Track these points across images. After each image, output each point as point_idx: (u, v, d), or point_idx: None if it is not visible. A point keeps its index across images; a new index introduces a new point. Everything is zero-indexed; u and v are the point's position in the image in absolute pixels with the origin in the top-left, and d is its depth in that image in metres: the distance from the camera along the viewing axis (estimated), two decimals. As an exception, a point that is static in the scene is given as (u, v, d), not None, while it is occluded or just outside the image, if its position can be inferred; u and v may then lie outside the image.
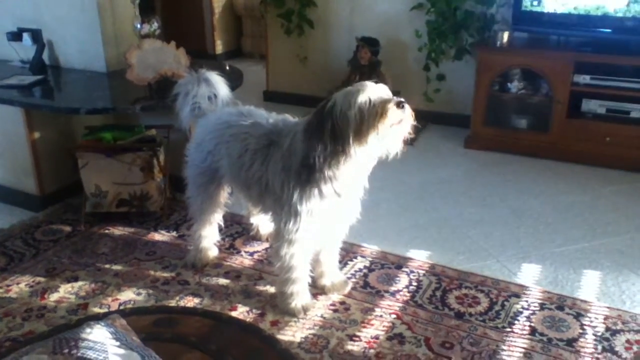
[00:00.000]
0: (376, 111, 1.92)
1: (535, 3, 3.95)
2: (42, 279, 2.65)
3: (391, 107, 1.92)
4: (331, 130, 1.96)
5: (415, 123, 1.99)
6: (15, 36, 3.60)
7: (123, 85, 3.20)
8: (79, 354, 1.15)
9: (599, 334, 2.30)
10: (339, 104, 1.96)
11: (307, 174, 2.05)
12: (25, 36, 3.59)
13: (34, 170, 3.26)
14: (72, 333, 1.21)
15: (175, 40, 3.19)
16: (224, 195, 2.65)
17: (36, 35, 3.58)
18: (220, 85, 2.61)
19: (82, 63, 3.56)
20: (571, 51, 3.90)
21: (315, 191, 2.11)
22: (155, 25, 3.41)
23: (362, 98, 1.93)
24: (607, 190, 3.60)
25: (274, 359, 1.47)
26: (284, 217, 2.19)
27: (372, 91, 1.96)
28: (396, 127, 1.96)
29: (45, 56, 3.57)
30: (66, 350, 1.16)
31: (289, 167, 2.13)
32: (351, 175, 2.11)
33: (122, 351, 1.20)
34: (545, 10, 3.94)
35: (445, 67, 4.58)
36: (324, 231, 2.29)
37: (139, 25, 3.37)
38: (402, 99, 1.95)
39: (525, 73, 4.10)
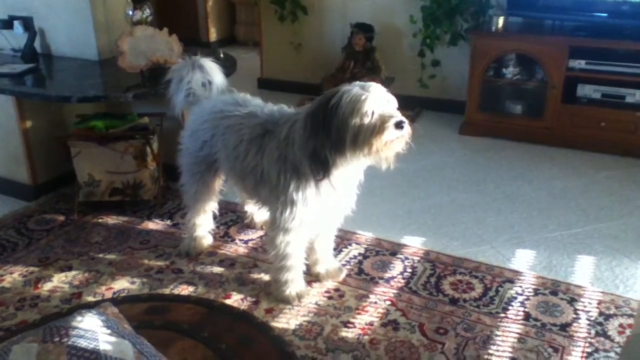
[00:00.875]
0: (374, 125, 1.91)
1: (530, -13, 3.93)
2: (35, 269, 2.64)
3: (389, 126, 1.91)
4: (335, 129, 1.95)
5: (409, 140, 1.99)
6: (6, 24, 3.55)
7: (115, 72, 3.18)
8: (69, 342, 1.15)
9: (593, 318, 2.31)
10: (343, 105, 1.93)
11: (322, 171, 2.01)
12: (17, 24, 3.55)
13: (26, 159, 3.25)
14: (62, 321, 1.21)
15: (168, 28, 3.16)
16: (219, 183, 2.64)
17: (27, 23, 3.54)
18: (215, 72, 2.58)
19: (73, 51, 3.53)
20: (566, 36, 3.89)
21: (312, 183, 2.10)
22: (147, 11, 3.38)
23: (365, 108, 1.90)
24: (601, 175, 3.61)
25: (267, 346, 1.47)
26: (279, 206, 2.18)
27: (378, 102, 1.92)
28: (390, 144, 1.95)
29: (36, 44, 3.54)
30: (57, 339, 1.15)
31: (286, 156, 2.11)
32: (347, 172, 2.11)
33: (113, 339, 1.19)
34: (540, -5, 3.93)
35: (440, 53, 4.56)
36: (320, 220, 2.28)
37: (130, 12, 3.33)
38: (403, 119, 1.93)
39: (520, 58, 4.09)
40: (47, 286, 2.52)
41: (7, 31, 3.58)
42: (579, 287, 2.50)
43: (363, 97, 1.91)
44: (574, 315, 2.32)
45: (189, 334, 1.47)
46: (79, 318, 1.22)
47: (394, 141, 1.96)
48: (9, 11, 3.59)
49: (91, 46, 3.46)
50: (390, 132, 1.92)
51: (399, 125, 1.92)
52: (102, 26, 3.45)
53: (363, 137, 1.92)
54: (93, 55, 3.47)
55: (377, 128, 1.91)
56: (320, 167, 2.01)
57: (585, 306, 2.38)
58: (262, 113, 2.28)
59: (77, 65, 3.41)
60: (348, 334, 2.22)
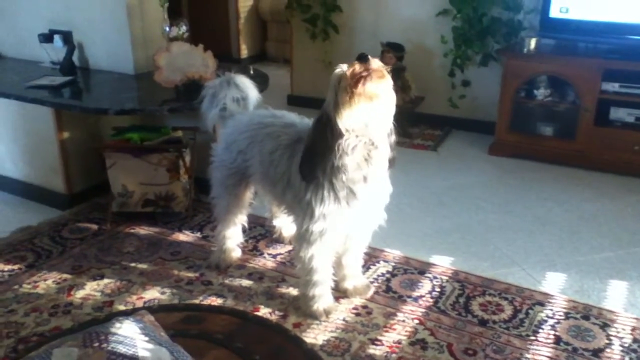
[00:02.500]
0: (344, 73, 1.98)
1: (563, 10, 3.92)
2: (68, 276, 2.69)
3: (355, 65, 1.95)
4: (320, 116, 2.06)
5: (389, 73, 2.06)
6: (47, 38, 3.67)
7: (151, 87, 3.25)
8: (109, 348, 1.17)
9: (626, 345, 2.26)
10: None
11: (308, 164, 2.09)
12: (56, 38, 3.66)
13: (62, 169, 3.32)
14: (102, 327, 1.23)
15: (201, 44, 3.23)
16: (250, 196, 2.67)
17: (67, 37, 3.65)
18: (249, 88, 2.64)
19: (111, 65, 3.62)
20: (599, 58, 3.85)
21: (326, 186, 2.10)
22: (183, 28, 3.45)
23: (336, 71, 2.01)
24: (634, 199, 3.55)
25: (299, 358, 1.47)
26: (301, 215, 2.20)
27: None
28: (365, 85, 1.97)
29: (75, 58, 3.64)
30: (96, 344, 1.17)
31: None
32: (361, 165, 2.08)
33: (151, 346, 1.21)
34: (574, 18, 3.90)
35: (470, 73, 4.56)
36: (343, 234, 2.27)
37: (167, 28, 3.41)
38: (364, 53, 1.97)
39: (551, 80, 4.06)
40: (80, 294, 2.56)
41: (47, 44, 3.69)
42: (612, 312, 2.46)
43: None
44: (607, 341, 2.28)
45: (223, 344, 1.48)
46: (117, 324, 1.25)
47: (367, 79, 1.97)
48: (49, 25, 3.70)
49: (128, 60, 3.55)
50: (356, 68, 1.95)
51: (361, 59, 1.95)
52: (139, 41, 3.54)
53: (341, 92, 2.00)
54: (129, 69, 3.56)
55: (348, 75, 1.97)
56: (307, 161, 2.08)
57: (618, 332, 2.33)
58: (300, 124, 2.33)
59: (113, 79, 3.50)
60: (376, 351, 2.21)
